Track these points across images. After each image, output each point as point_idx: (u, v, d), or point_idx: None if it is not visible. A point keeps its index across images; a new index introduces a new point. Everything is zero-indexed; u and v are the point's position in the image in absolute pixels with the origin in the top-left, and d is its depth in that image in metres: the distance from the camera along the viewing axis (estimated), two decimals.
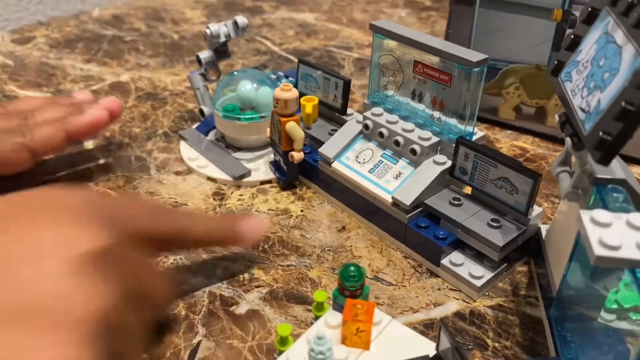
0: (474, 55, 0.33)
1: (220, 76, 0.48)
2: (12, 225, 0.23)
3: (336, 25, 0.74)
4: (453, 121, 0.36)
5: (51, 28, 0.71)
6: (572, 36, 0.28)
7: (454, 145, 0.35)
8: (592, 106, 0.24)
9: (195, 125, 0.48)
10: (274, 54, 0.65)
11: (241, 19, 0.46)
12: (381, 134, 0.39)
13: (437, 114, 0.37)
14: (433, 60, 0.35)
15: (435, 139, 0.37)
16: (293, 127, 0.40)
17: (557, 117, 0.28)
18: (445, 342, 0.25)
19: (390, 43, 0.38)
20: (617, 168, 0.27)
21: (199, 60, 0.47)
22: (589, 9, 0.27)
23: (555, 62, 0.29)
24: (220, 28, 0.46)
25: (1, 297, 0.21)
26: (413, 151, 0.37)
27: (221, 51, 0.48)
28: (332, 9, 0.80)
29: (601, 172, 0.27)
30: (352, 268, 0.28)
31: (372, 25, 0.38)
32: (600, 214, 0.23)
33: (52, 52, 0.64)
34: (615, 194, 0.26)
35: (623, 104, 0.22)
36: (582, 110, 0.25)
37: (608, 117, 0.23)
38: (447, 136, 0.37)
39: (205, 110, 0.48)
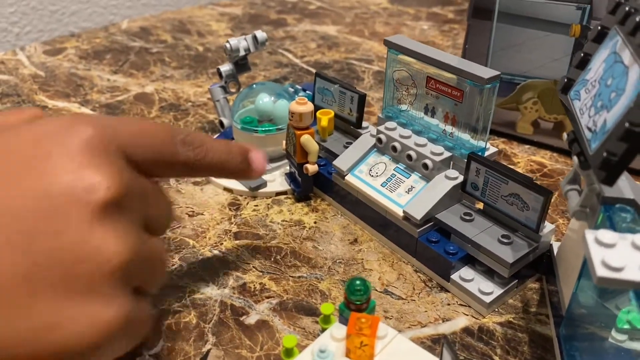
0: (485, 72, 0.33)
1: (240, 88, 0.49)
2: (27, 172, 0.22)
3: (358, 38, 0.74)
4: (465, 136, 0.37)
5: (81, 40, 0.73)
6: (582, 54, 0.28)
7: (466, 160, 0.35)
8: (599, 126, 0.24)
9: (215, 137, 0.49)
10: (295, 66, 0.66)
11: (260, 34, 0.47)
12: (394, 148, 0.39)
13: (449, 129, 0.37)
14: (445, 76, 0.36)
15: (447, 154, 0.37)
16: (308, 140, 0.40)
17: (565, 136, 0.28)
18: (447, 358, 0.25)
19: (405, 58, 0.38)
20: (625, 187, 0.27)
21: (219, 73, 0.48)
22: (599, 28, 0.27)
23: (565, 80, 0.29)
24: (240, 42, 0.47)
25: (28, 262, 0.21)
26: (425, 166, 0.37)
27: (241, 64, 0.49)
28: (354, 22, 0.80)
29: (609, 192, 0.26)
30: (358, 282, 0.28)
31: (387, 41, 0.39)
32: (605, 235, 0.23)
33: (81, 63, 0.67)
34: (623, 214, 0.26)
35: (627, 125, 0.22)
36: (589, 129, 0.25)
37: (613, 137, 0.23)
38: (460, 151, 0.37)
39: (225, 121, 0.49)
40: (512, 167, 0.47)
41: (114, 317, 0.23)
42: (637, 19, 0.23)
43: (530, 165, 0.47)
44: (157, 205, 0.27)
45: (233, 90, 0.49)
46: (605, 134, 0.24)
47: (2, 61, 0.67)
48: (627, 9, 0.25)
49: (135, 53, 0.69)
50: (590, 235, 0.23)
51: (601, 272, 0.22)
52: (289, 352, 0.28)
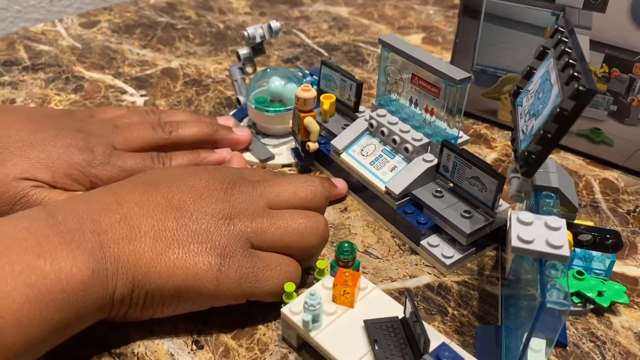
0: (458, 74, 0.40)
1: (256, 70, 0.56)
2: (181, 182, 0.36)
3: (367, 20, 0.80)
4: (442, 125, 0.43)
5: (113, 13, 0.80)
6: (528, 68, 0.34)
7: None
8: (528, 130, 0.31)
9: (232, 112, 0.56)
10: (306, 47, 0.72)
11: (275, 24, 0.53)
12: (383, 132, 0.46)
13: (429, 118, 0.44)
14: (427, 74, 0.42)
15: (425, 140, 0.44)
16: (310, 121, 0.47)
17: (511, 133, 0.35)
18: (409, 307, 0.32)
19: (395, 56, 0.44)
20: (554, 178, 0.33)
21: (238, 56, 0.55)
22: (541, 48, 0.33)
23: (515, 88, 0.35)
24: (256, 30, 0.53)
25: (166, 226, 0.33)
26: (406, 149, 0.44)
27: (257, 49, 0.55)
28: (365, 3, 0.85)
29: (540, 181, 0.33)
30: (346, 245, 0.36)
31: (380, 40, 0.45)
32: (525, 215, 0.30)
33: (114, 36, 0.73)
34: (547, 200, 0.33)
35: (542, 132, 0.28)
36: (522, 132, 0.32)
37: (533, 140, 0.29)
38: (436, 138, 0.43)
39: (241, 99, 0.56)
40: (489, 150, 0.53)
41: (220, 270, 0.33)
42: (563, 48, 0.29)
43: (506, 149, 0.53)
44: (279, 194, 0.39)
45: (249, 71, 0.56)
46: (530, 137, 0.30)
47: (43, 32, 0.74)
48: (559, 36, 0.31)
49: (162, 28, 0.76)
50: (514, 215, 0.30)
51: (515, 243, 0.29)
52: (288, 296, 0.35)
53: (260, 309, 0.37)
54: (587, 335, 0.36)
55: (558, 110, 0.27)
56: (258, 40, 0.54)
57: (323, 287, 0.35)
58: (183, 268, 0.32)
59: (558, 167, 0.34)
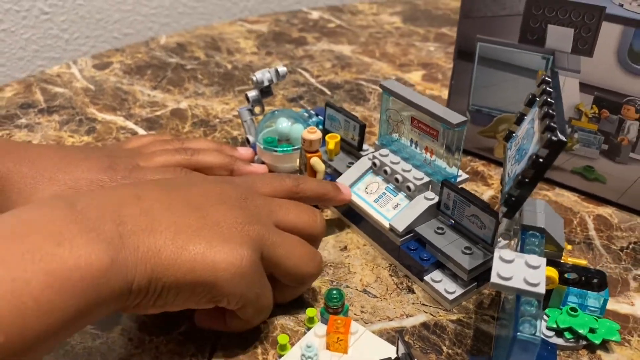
0: (455, 118, 0.42)
1: (264, 111, 0.58)
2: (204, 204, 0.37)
3: (369, 59, 0.83)
4: (442, 164, 0.45)
5: (125, 54, 0.83)
6: (519, 113, 0.36)
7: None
8: (512, 174, 0.33)
9: None
10: (310, 85, 0.75)
11: (282, 69, 0.56)
12: (385, 172, 0.48)
13: (429, 158, 0.46)
14: (425, 118, 0.44)
15: (427, 179, 0.46)
16: (316, 161, 0.49)
17: (505, 178, 0.37)
18: (402, 348, 0.34)
19: (395, 100, 0.47)
20: (541, 218, 0.35)
21: (247, 98, 0.57)
22: (530, 95, 0.36)
23: (507, 132, 0.37)
24: (264, 75, 0.56)
25: (193, 221, 0.35)
26: (409, 188, 0.46)
27: (265, 91, 0.58)
28: (367, 42, 0.89)
29: (527, 221, 0.35)
30: (334, 292, 0.38)
31: (382, 86, 0.47)
32: (507, 253, 0.32)
33: (126, 77, 0.77)
34: (533, 239, 0.35)
35: (520, 177, 0.31)
36: (508, 175, 0.34)
37: (513, 184, 0.32)
38: (437, 177, 0.46)
39: (251, 139, 0.58)
40: (486, 187, 0.55)
41: (236, 265, 0.34)
42: (545, 98, 0.32)
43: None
44: (289, 213, 0.41)
45: (258, 112, 0.58)
46: (511, 181, 0.32)
47: (59, 74, 0.77)
48: (544, 87, 0.33)
49: (172, 69, 0.79)
50: (497, 253, 0.32)
51: (494, 279, 0.31)
52: (282, 347, 0.37)
53: (261, 351, 0.39)
54: None
55: (534, 157, 0.29)
56: (266, 83, 0.56)
57: (315, 336, 0.37)
58: (203, 263, 0.33)
59: (547, 208, 0.36)
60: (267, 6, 1.24)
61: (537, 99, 0.35)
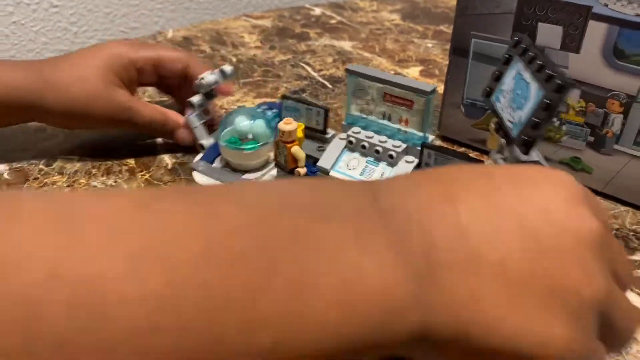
0: (427, 87, 0.47)
1: (209, 113, 0.59)
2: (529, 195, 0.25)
3: (369, 54, 0.85)
4: (414, 131, 0.50)
5: None
6: (497, 72, 0.42)
7: (418, 148, 0.49)
8: (517, 119, 0.37)
9: (201, 155, 0.57)
10: (312, 79, 0.78)
11: (227, 68, 0.58)
12: (363, 146, 0.52)
13: (403, 128, 0.51)
14: (398, 91, 0.49)
15: (404, 146, 0.50)
16: (297, 150, 0.52)
17: (492, 125, 0.42)
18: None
19: (363, 81, 0.51)
20: (534, 155, 0.39)
21: (191, 105, 0.57)
22: (506, 56, 0.41)
23: (487, 89, 0.43)
24: (210, 77, 0.57)
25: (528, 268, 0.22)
26: (390, 156, 0.50)
27: (211, 94, 0.58)
28: (368, 38, 0.91)
29: (523, 158, 0.40)
30: None
31: (348, 70, 0.52)
32: None
33: None
34: None
35: (535, 119, 0.34)
36: (510, 122, 0.38)
37: (527, 126, 0.36)
38: (411, 142, 0.50)
39: (205, 143, 0.58)
40: None
41: (572, 343, 0.22)
42: (531, 54, 0.37)
43: None
44: (621, 261, 0.26)
45: (206, 115, 0.58)
46: (522, 125, 0.37)
47: None
48: (523, 46, 0.39)
49: None
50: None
51: None
52: None
53: None
54: None
55: (547, 101, 0.35)
56: (212, 86, 0.57)
57: None
58: (533, 330, 0.22)
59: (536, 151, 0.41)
60: (271, 2, 1.27)
61: (514, 57, 0.40)
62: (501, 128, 0.41)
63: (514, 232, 0.23)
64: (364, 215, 0.23)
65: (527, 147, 0.37)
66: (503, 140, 0.42)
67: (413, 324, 0.22)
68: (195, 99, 0.58)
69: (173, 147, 0.61)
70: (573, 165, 0.55)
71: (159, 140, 0.63)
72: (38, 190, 0.42)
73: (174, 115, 0.59)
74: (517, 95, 0.38)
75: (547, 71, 0.35)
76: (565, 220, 0.24)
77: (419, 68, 0.81)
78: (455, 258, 0.22)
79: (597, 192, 0.55)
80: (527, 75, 0.37)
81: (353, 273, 0.21)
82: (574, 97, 0.52)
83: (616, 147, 0.51)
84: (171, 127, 0.58)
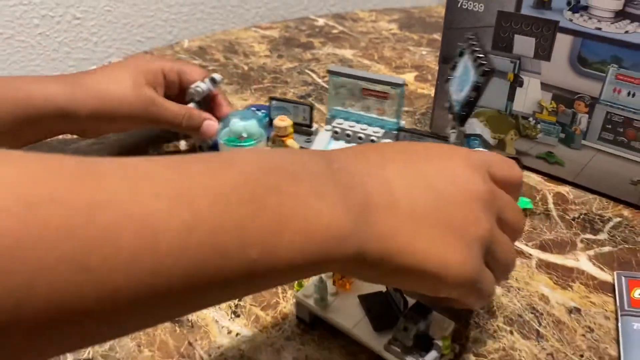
0: (398, 80, 0.57)
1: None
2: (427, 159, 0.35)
3: (368, 61, 0.93)
4: (389, 119, 0.60)
5: None
6: (453, 63, 0.51)
7: (394, 132, 0.58)
8: (459, 98, 0.47)
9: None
10: (317, 85, 0.85)
11: (217, 76, 0.64)
12: (348, 135, 0.61)
13: (380, 116, 0.60)
14: (375, 86, 0.58)
15: (382, 131, 0.59)
16: (292, 142, 0.60)
17: (446, 104, 0.52)
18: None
19: (344, 80, 0.60)
20: (477, 129, 0.49)
21: None
22: (459, 51, 0.50)
23: (447, 78, 0.52)
24: (201, 86, 0.63)
25: (429, 207, 0.33)
26: (372, 141, 0.59)
27: (203, 102, 0.65)
28: (367, 46, 0.99)
29: (469, 131, 0.50)
30: None
31: (330, 71, 0.60)
32: None
33: None
34: (475, 141, 0.50)
35: (468, 98, 0.45)
36: (456, 100, 0.48)
37: (463, 103, 0.46)
38: (387, 128, 0.59)
39: (203, 145, 0.65)
40: None
41: (464, 265, 0.32)
42: (474, 48, 0.47)
43: None
44: (510, 214, 0.37)
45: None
46: (461, 102, 0.46)
47: None
48: (473, 44, 0.48)
49: None
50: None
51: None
52: (300, 284, 0.47)
53: (280, 290, 0.49)
54: (529, 308, 0.47)
55: (476, 83, 0.45)
56: (205, 94, 0.64)
57: (326, 276, 0.47)
58: (437, 257, 0.32)
59: (479, 123, 0.51)
60: (278, 13, 1.34)
61: (465, 51, 0.49)
62: (451, 106, 0.51)
63: (424, 188, 0.33)
64: (321, 175, 0.31)
65: (462, 120, 0.47)
66: (451, 117, 0.51)
67: (352, 248, 0.30)
68: (190, 106, 0.63)
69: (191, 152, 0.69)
70: (548, 159, 0.62)
71: (182, 145, 0.70)
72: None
73: (197, 112, 0.64)
74: (462, 80, 0.48)
75: (480, 60, 0.45)
76: (462, 183, 0.34)
77: (414, 74, 0.89)
78: (382, 205, 0.31)
79: (569, 182, 0.62)
80: (469, 65, 0.47)
81: (313, 212, 0.29)
82: (546, 99, 0.59)
83: (584, 142, 0.59)
84: (197, 121, 0.62)
